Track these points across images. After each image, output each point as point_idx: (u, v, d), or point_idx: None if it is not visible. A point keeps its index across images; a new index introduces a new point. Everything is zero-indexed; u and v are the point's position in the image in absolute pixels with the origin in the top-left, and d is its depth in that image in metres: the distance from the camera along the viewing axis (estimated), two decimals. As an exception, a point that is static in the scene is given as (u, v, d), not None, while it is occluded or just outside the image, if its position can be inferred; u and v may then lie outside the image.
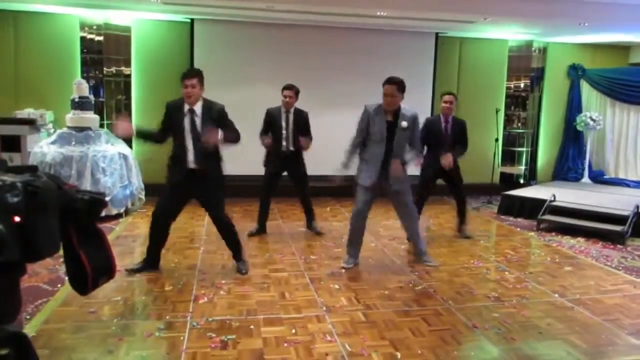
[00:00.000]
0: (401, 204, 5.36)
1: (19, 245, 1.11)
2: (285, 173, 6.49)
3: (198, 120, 4.73)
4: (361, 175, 5.19)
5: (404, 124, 5.01)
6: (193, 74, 4.78)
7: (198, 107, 4.76)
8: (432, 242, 6.46)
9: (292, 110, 6.31)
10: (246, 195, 7.77)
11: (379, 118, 5.02)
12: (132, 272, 4.91)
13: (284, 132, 6.26)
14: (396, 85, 4.97)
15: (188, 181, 4.78)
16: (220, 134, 4.70)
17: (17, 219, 1.11)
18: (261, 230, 6.57)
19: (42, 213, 1.14)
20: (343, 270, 5.21)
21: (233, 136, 4.83)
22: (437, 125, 6.35)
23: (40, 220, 1.14)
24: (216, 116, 4.79)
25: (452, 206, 8.35)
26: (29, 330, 3.61)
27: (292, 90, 6.27)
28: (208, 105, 4.82)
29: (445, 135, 6.32)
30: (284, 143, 6.27)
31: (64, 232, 1.23)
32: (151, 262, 5.04)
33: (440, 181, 6.55)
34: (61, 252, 1.33)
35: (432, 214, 7.57)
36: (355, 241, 5.42)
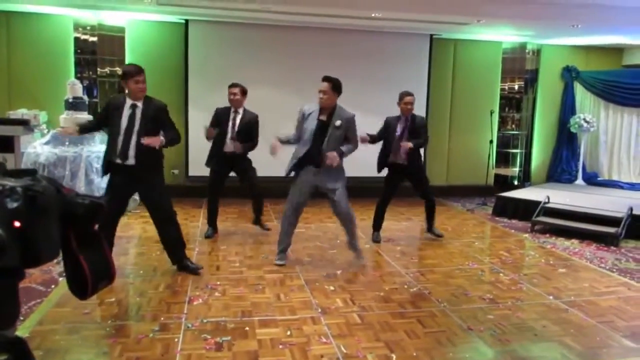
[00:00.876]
0: (335, 204, 5.27)
1: (18, 250, 1.10)
2: (232, 173, 6.38)
3: (139, 115, 4.65)
4: (288, 167, 5.23)
5: (338, 122, 5.05)
6: (142, 70, 4.67)
7: (140, 103, 4.69)
8: (428, 243, 6.46)
9: (240, 110, 6.20)
10: (243, 196, 7.72)
11: (312, 117, 5.09)
12: None
13: (229, 132, 6.12)
14: (330, 83, 5.00)
15: (125, 177, 4.67)
16: (161, 137, 4.68)
17: (17, 224, 1.10)
18: (215, 231, 6.47)
19: (42, 218, 1.14)
20: (338, 272, 5.20)
21: (172, 138, 4.82)
22: (395, 124, 6.27)
23: (40, 225, 1.13)
24: (156, 113, 4.72)
25: (447, 207, 8.40)
26: (23, 331, 3.59)
27: (238, 88, 6.15)
28: (149, 101, 4.75)
29: (403, 134, 6.22)
30: (227, 143, 6.12)
31: (63, 237, 1.22)
32: None
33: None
34: (60, 256, 1.32)
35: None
36: (282, 237, 5.42)
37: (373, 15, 7.73)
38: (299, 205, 5.31)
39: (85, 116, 7.43)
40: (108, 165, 4.75)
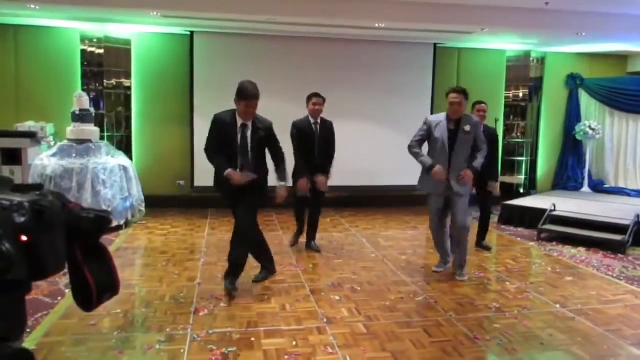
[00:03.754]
0: (455, 214, 5.37)
1: (25, 263, 1.13)
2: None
3: (249, 135, 4.69)
4: (426, 184, 5.37)
5: (467, 127, 5.18)
6: (257, 95, 4.61)
7: (249, 122, 4.70)
8: (433, 252, 6.41)
9: (319, 120, 6.15)
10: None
11: (441, 127, 5.20)
12: (257, 281, 5.08)
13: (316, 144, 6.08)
14: (463, 94, 5.16)
15: (238, 192, 4.69)
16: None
17: (24, 237, 1.13)
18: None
19: (49, 231, 1.16)
20: (344, 282, 5.19)
21: (281, 161, 4.93)
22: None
23: (47, 239, 1.16)
24: (265, 133, 4.76)
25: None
26: (29, 343, 3.61)
27: (321, 98, 6.11)
28: (257, 120, 4.74)
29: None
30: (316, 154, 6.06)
31: (68, 250, 1.25)
32: (269, 269, 5.23)
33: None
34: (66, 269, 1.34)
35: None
36: (439, 246, 5.67)
37: (377, 25, 7.76)
38: (440, 212, 5.46)
39: (92, 128, 7.47)
40: (223, 181, 4.71)
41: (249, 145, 4.70)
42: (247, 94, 4.57)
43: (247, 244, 4.89)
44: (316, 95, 6.11)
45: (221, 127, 4.72)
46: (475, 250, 6.58)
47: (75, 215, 1.24)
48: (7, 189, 1.21)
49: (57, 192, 1.26)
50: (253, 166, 4.71)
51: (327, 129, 6.18)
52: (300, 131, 6.03)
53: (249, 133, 4.70)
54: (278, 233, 7.24)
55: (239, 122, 4.69)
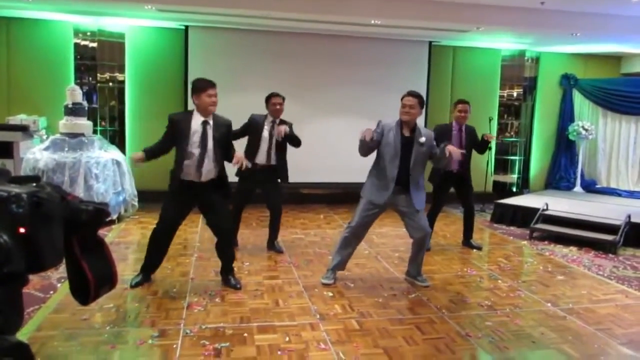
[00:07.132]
0: (415, 226, 4.90)
1: (23, 256, 1.12)
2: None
3: (210, 132, 4.55)
4: (371, 190, 4.91)
5: (422, 139, 4.76)
6: (214, 83, 4.54)
7: (210, 119, 4.58)
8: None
9: (278, 120, 5.86)
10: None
11: (394, 133, 4.77)
12: (135, 286, 4.75)
13: (265, 143, 5.78)
14: (418, 99, 4.79)
15: (192, 192, 4.60)
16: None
17: (22, 230, 1.12)
18: (234, 243, 6.13)
19: (47, 224, 1.15)
20: (337, 278, 5.19)
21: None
22: (448, 132, 6.16)
23: (45, 231, 1.15)
24: (225, 130, 4.67)
25: (446, 214, 8.40)
26: (21, 337, 3.57)
27: (281, 97, 5.88)
28: (217, 118, 4.63)
29: (459, 143, 6.16)
30: (265, 156, 5.78)
31: (66, 243, 1.24)
32: (149, 274, 4.92)
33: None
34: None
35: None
36: (340, 258, 5.11)
37: (372, 22, 7.76)
38: (367, 224, 5.02)
39: (84, 122, 7.43)
40: (179, 183, 4.62)
41: (210, 142, 4.57)
42: (207, 83, 4.51)
43: (230, 240, 5.10)
44: (276, 94, 5.94)
45: (175, 125, 4.61)
46: (463, 248, 6.60)
47: (74, 207, 1.24)
48: (4, 180, 1.20)
49: (56, 184, 1.25)
50: (213, 163, 4.62)
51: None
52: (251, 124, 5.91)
53: (209, 130, 4.57)
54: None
55: (200, 119, 4.56)
